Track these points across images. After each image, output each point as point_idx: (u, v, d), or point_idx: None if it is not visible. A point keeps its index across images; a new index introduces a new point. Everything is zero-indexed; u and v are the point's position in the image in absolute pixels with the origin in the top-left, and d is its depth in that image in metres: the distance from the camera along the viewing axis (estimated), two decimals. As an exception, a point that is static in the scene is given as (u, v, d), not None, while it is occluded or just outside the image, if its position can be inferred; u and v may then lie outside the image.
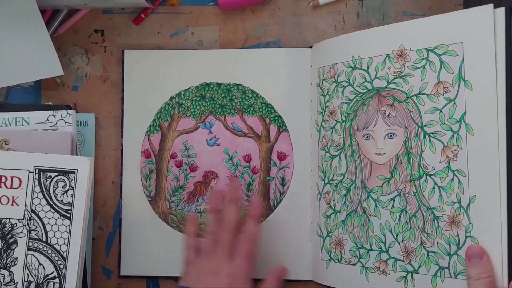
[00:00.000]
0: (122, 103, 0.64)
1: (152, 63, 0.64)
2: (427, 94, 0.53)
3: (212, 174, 0.63)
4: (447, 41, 0.52)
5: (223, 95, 0.63)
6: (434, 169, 0.52)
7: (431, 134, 0.53)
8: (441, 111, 0.52)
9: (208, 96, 0.64)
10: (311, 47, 0.63)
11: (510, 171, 0.48)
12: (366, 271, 0.56)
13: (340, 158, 0.59)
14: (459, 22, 0.51)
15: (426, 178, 0.53)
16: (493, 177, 0.48)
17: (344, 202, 0.58)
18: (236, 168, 0.63)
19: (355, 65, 0.58)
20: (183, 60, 0.64)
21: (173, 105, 0.64)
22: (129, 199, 0.64)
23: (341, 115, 0.59)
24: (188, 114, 0.64)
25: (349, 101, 0.58)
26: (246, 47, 0.64)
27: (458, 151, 0.51)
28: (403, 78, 0.54)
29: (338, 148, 0.59)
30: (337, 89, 0.59)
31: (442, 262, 0.52)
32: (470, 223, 0.50)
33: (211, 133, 0.63)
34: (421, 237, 0.53)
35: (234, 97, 0.63)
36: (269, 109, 0.63)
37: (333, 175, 0.60)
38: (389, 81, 0.55)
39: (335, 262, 0.59)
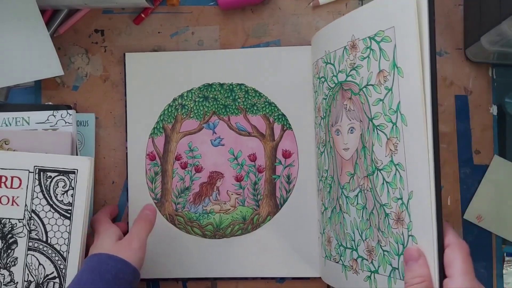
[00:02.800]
0: (125, 106, 0.64)
1: (154, 66, 0.64)
2: (372, 85, 0.50)
3: (217, 174, 0.63)
4: (383, 27, 0.48)
5: (226, 95, 0.63)
6: (382, 163, 0.49)
7: (378, 127, 0.49)
8: (383, 102, 0.48)
9: (211, 96, 0.64)
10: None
11: (437, 165, 0.44)
12: (345, 269, 0.55)
13: (324, 154, 0.58)
14: (390, 6, 0.47)
15: (378, 174, 0.49)
16: (424, 171, 0.44)
17: (329, 199, 0.58)
18: (242, 168, 0.63)
19: (327, 60, 0.57)
20: (185, 61, 0.64)
21: (176, 107, 0.64)
22: (135, 202, 0.63)
23: (323, 111, 0.58)
24: (191, 115, 0.64)
25: (326, 97, 0.57)
26: (246, 47, 0.64)
27: (398, 143, 0.47)
28: (356, 70, 0.52)
29: (323, 144, 0.58)
30: (319, 85, 0.59)
31: (393, 263, 0.48)
32: (410, 221, 0.46)
33: (215, 133, 0.63)
34: (378, 236, 0.50)
35: (237, 96, 0.63)
36: (272, 107, 0.63)
37: (322, 172, 0.59)
38: (347, 73, 0.53)
39: (328, 259, 0.58)
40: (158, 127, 0.64)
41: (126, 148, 0.64)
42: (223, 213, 0.63)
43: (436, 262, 0.43)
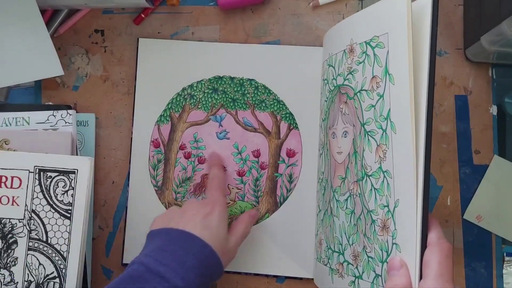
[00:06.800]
0: (135, 91, 0.64)
1: (166, 53, 0.64)
2: (366, 90, 0.49)
3: None
4: (378, 32, 0.47)
5: (235, 89, 0.64)
6: (371, 169, 0.48)
7: (369, 133, 0.48)
8: (375, 108, 0.47)
9: (220, 89, 0.64)
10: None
11: (427, 175, 0.43)
12: (331, 272, 0.54)
13: (322, 156, 0.58)
14: (385, 11, 0.46)
15: (367, 179, 0.49)
16: (410, 181, 0.43)
17: (323, 202, 0.58)
18: (245, 163, 0.63)
19: (330, 63, 0.57)
20: (197, 52, 0.64)
21: (185, 96, 0.64)
22: (136, 188, 0.63)
23: (324, 113, 0.58)
24: (199, 106, 0.64)
25: (327, 99, 0.57)
26: (247, 47, 0.64)
27: (387, 150, 0.46)
28: (352, 74, 0.51)
29: (322, 146, 0.58)
30: (323, 87, 0.59)
31: (377, 269, 0.47)
32: (395, 229, 0.45)
33: (222, 126, 0.64)
34: (364, 241, 0.49)
35: (246, 91, 0.63)
36: (280, 105, 0.63)
37: (319, 174, 0.59)
38: (345, 77, 0.53)
39: (318, 261, 0.58)
40: (165, 115, 0.64)
41: (132, 132, 0.64)
42: None
43: (417, 271, 0.42)
